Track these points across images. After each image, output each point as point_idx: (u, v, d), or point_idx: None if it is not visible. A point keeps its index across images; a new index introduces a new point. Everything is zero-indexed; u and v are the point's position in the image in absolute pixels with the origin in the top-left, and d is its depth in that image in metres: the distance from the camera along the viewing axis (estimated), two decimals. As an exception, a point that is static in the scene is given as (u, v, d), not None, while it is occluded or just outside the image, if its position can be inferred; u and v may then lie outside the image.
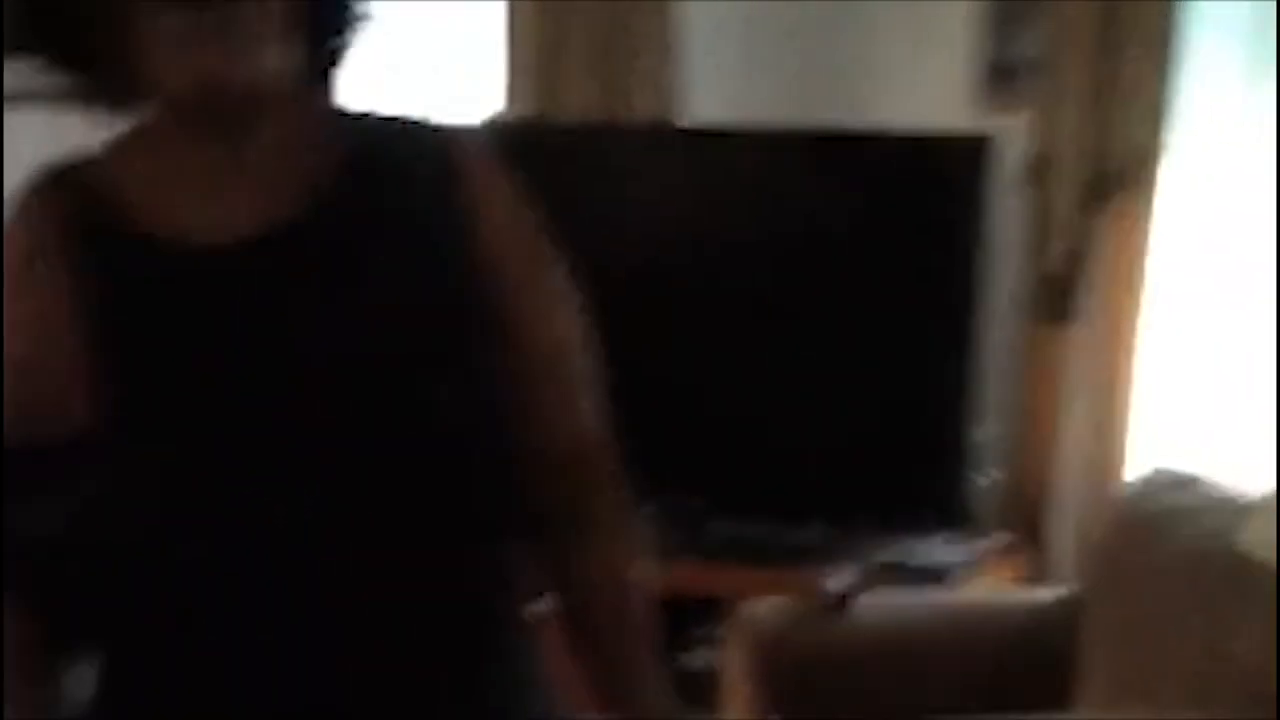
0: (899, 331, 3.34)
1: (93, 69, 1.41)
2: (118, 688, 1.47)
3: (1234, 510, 2.66)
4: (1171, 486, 2.86)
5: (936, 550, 3.22)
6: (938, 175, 3.36)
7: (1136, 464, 3.15)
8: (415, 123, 1.52)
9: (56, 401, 1.40)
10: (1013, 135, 3.31)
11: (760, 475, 3.12)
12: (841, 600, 2.94)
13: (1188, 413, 3.19)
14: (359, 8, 1.48)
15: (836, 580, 2.98)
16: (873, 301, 3.36)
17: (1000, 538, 3.34)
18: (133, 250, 1.41)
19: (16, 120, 3.36)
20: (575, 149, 3.53)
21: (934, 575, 3.15)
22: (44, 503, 1.39)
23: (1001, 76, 3.50)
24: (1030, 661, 2.91)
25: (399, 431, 1.40)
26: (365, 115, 1.52)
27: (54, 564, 1.41)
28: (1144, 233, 3.17)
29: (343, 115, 1.51)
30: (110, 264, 1.41)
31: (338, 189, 1.44)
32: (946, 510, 3.25)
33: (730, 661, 2.96)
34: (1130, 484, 3.06)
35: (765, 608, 2.94)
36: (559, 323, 1.52)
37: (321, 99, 1.52)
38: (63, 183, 1.45)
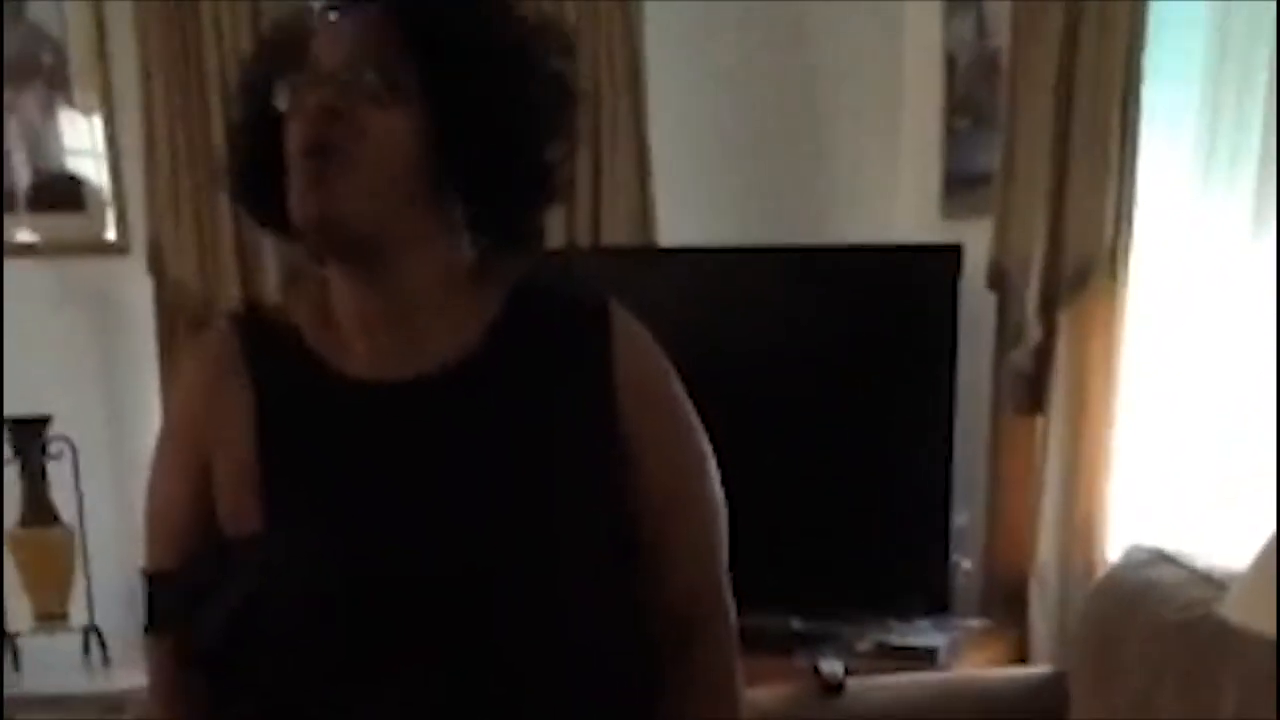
0: (880, 429, 3.44)
1: (278, 220, 1.59)
2: None
3: (1211, 582, 2.74)
4: (1150, 562, 2.95)
5: (923, 634, 3.30)
6: (911, 283, 3.49)
7: (1113, 545, 3.19)
8: (575, 288, 1.66)
9: (227, 503, 1.57)
10: (978, 240, 3.43)
11: (751, 568, 3.18)
12: (837, 684, 3.00)
13: (1162, 494, 3.26)
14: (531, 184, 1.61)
15: (829, 665, 3.04)
16: (854, 401, 3.47)
17: (983, 621, 3.41)
18: (298, 376, 1.58)
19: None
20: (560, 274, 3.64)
21: (923, 657, 3.22)
22: (209, 597, 1.55)
23: (964, 186, 3.64)
24: (1022, 737, 2.97)
25: (522, 574, 1.52)
26: (528, 275, 1.66)
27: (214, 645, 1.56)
28: (1110, 325, 3.21)
29: (503, 273, 1.63)
30: (278, 385, 1.58)
31: (489, 344, 1.58)
32: (930, 595, 3.33)
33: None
34: (1111, 562, 3.14)
35: (763, 694, 2.99)
36: (694, 491, 1.65)
37: (471, 253, 1.63)
38: (248, 313, 1.66)
